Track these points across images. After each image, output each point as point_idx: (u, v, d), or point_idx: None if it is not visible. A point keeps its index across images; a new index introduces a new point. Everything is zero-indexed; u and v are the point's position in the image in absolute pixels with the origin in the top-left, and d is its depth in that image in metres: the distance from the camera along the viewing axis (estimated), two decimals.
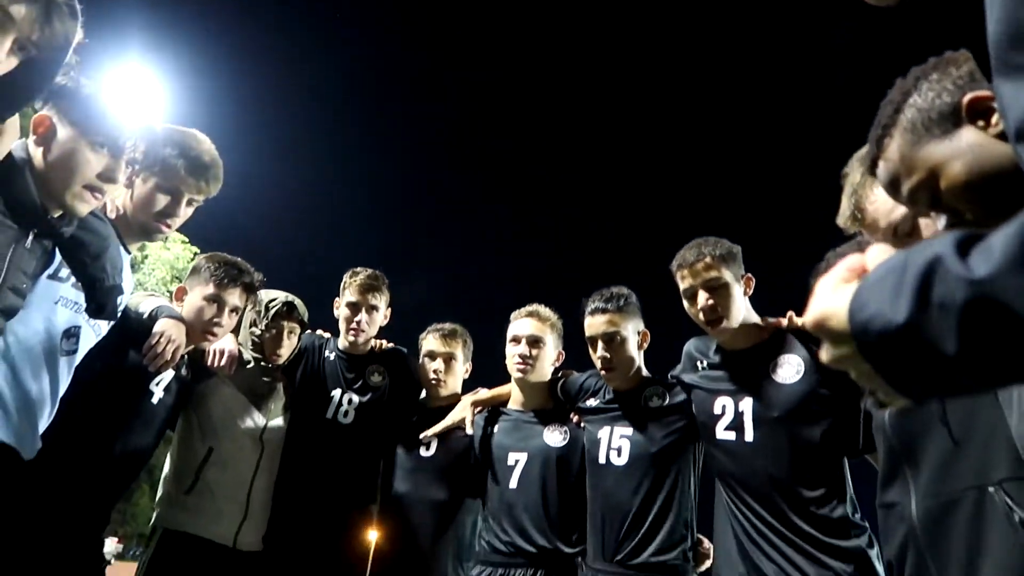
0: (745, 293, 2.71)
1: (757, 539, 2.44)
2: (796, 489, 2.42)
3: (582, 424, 3.13)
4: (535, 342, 3.20)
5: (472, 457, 3.26)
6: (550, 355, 3.25)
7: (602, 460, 2.92)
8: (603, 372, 2.99)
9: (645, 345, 3.08)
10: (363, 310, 3.38)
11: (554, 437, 3.12)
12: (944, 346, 0.64)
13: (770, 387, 2.57)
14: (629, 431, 2.92)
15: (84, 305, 2.14)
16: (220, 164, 2.60)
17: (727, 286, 2.63)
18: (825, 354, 0.81)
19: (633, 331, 2.99)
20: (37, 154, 1.84)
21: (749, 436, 2.57)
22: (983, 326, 0.62)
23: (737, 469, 2.58)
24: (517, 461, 3.10)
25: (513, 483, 3.06)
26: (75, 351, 2.21)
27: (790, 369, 2.57)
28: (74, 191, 1.84)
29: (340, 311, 3.46)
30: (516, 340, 3.23)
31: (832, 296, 0.78)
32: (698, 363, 2.85)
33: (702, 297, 2.64)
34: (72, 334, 2.17)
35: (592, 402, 3.12)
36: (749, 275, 2.74)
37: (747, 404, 2.61)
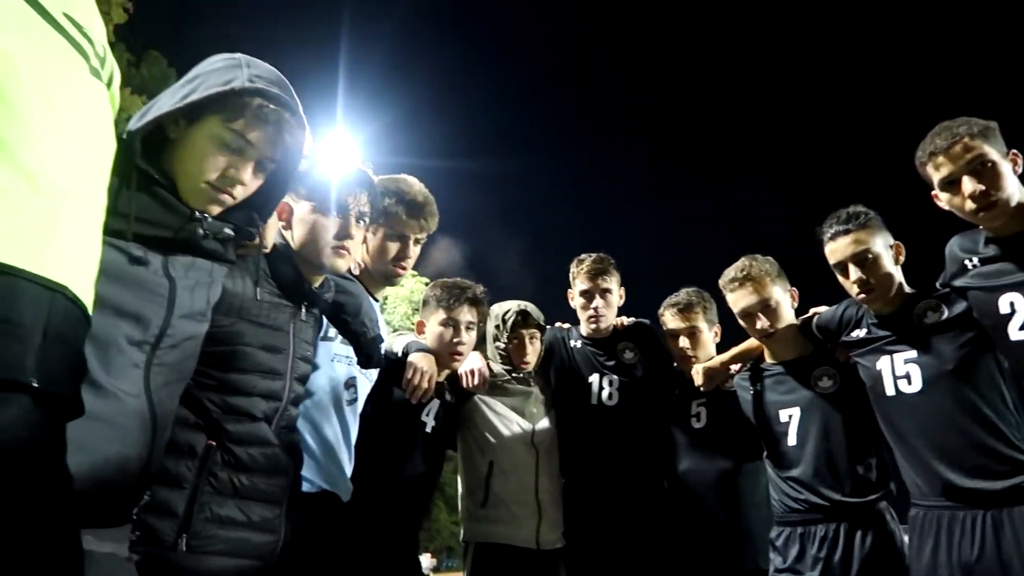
0: (1015, 171, 2.37)
1: None
2: None
3: (852, 360, 2.89)
4: (765, 307, 2.97)
5: (746, 420, 3.15)
6: (784, 303, 3.03)
7: (890, 392, 2.66)
8: (862, 296, 2.71)
9: (901, 259, 2.76)
10: (597, 295, 3.41)
11: (823, 382, 2.92)
12: None
13: None
14: (913, 354, 2.63)
15: (355, 358, 2.38)
16: (433, 200, 2.80)
17: (995, 164, 2.31)
18: None
19: (884, 245, 2.70)
20: (289, 236, 2.11)
21: None
22: None
23: None
24: (790, 416, 2.94)
25: (792, 439, 2.91)
26: (356, 399, 2.49)
27: None
28: (326, 253, 2.06)
29: (575, 301, 3.51)
30: (746, 315, 3.01)
31: None
32: (967, 262, 2.51)
33: (968, 184, 2.32)
34: (351, 384, 2.45)
35: (858, 333, 2.84)
36: (1015, 151, 2.39)
37: None
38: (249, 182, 1.62)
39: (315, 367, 2.16)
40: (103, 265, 1.39)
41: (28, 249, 0.88)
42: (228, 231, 1.66)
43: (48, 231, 0.92)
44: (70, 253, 0.97)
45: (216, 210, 1.62)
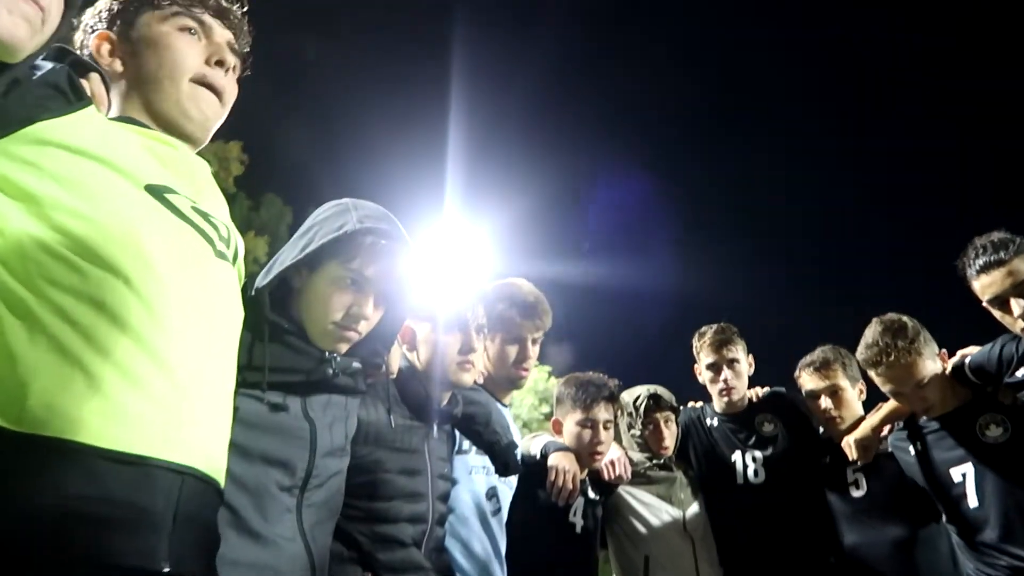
0: None
1: None
2: None
3: (1022, 402, 2.60)
4: (917, 386, 2.71)
5: (911, 481, 2.89)
6: (936, 371, 2.74)
7: None
8: None
9: None
10: (724, 366, 3.30)
11: (992, 431, 2.64)
12: None
13: None
14: None
15: (492, 467, 2.38)
16: (543, 298, 2.83)
17: None
18: None
19: None
20: (412, 357, 2.17)
21: None
22: None
23: None
24: (964, 475, 2.66)
25: (972, 500, 2.62)
26: (500, 509, 2.47)
27: None
28: (452, 369, 2.11)
29: (703, 376, 3.41)
30: (896, 394, 2.81)
31: None
32: None
33: None
34: (492, 495, 2.44)
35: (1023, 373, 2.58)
36: None
37: None
38: (372, 315, 1.70)
39: (454, 483, 2.18)
40: (248, 416, 1.47)
41: (160, 438, 0.94)
42: (356, 365, 1.73)
43: (178, 417, 0.97)
44: (199, 433, 1.02)
45: (344, 348, 1.69)
